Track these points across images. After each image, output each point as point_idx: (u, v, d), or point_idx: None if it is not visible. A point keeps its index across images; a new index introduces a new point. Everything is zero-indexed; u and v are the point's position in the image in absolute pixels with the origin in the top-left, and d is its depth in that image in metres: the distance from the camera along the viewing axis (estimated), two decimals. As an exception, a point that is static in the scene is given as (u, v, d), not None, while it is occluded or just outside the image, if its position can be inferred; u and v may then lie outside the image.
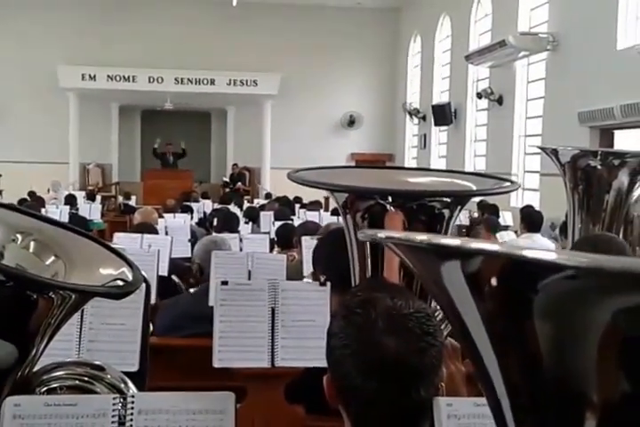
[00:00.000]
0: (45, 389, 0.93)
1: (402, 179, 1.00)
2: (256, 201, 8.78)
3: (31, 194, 7.85)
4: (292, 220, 4.81)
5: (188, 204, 6.80)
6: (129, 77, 11.10)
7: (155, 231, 3.49)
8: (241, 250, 3.31)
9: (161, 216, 4.89)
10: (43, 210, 6.00)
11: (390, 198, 0.89)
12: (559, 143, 4.83)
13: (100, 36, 11.29)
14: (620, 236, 2.04)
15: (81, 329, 1.44)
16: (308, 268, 2.40)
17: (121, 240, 3.10)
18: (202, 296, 2.08)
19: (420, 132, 11.35)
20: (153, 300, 2.05)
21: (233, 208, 6.36)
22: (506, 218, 6.20)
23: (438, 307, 0.76)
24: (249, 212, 5.69)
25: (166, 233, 3.82)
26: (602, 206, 2.04)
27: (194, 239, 3.81)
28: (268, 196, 8.75)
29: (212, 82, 11.21)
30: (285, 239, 3.49)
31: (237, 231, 4.05)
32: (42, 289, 0.76)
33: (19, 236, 0.88)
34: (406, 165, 11.71)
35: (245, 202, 8.01)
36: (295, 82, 11.49)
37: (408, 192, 0.93)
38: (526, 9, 7.81)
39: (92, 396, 0.92)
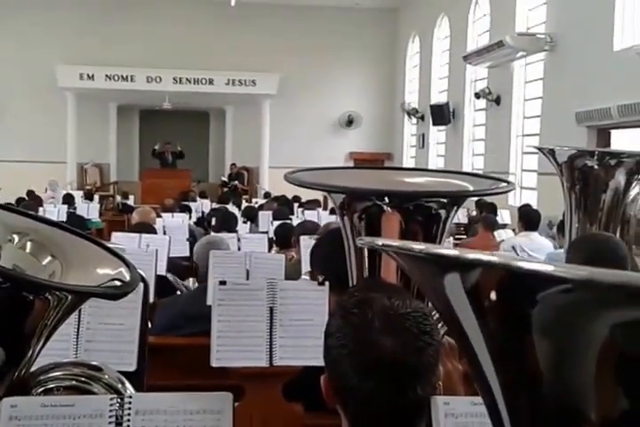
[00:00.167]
0: (42, 389, 0.92)
1: (398, 179, 1.01)
2: (254, 200, 8.79)
3: (29, 193, 7.85)
4: (291, 219, 4.81)
5: (186, 203, 6.80)
6: (127, 77, 11.09)
7: (153, 231, 3.49)
8: (239, 249, 3.31)
9: (159, 216, 4.89)
10: (40, 209, 6.00)
11: (387, 199, 0.89)
12: (557, 143, 4.85)
13: (99, 35, 11.27)
14: (617, 235, 2.05)
15: (78, 329, 1.43)
16: (306, 267, 2.41)
17: (119, 240, 3.10)
18: (200, 296, 2.08)
19: (419, 131, 11.36)
20: (151, 299, 2.05)
21: (231, 208, 6.36)
22: (504, 216, 6.22)
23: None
24: (247, 211, 5.69)
25: (164, 233, 3.82)
26: (599, 206, 2.05)
27: (192, 239, 3.82)
28: (266, 195, 8.75)
29: (211, 82, 11.20)
30: (284, 239, 3.49)
31: (235, 231, 4.05)
32: (38, 290, 0.75)
33: (15, 236, 0.88)
34: (405, 165, 11.73)
35: (244, 201, 8.01)
36: (294, 82, 11.48)
37: (404, 193, 0.93)
38: (524, 9, 7.82)
39: (89, 396, 0.92)
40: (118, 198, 9.74)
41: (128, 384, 0.98)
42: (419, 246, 0.34)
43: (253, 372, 1.49)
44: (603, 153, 2.10)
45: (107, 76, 11.02)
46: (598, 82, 6.02)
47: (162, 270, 2.75)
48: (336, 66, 11.90)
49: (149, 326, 1.71)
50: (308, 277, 2.16)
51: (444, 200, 0.91)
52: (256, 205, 6.78)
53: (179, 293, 2.76)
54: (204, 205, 7.08)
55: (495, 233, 4.59)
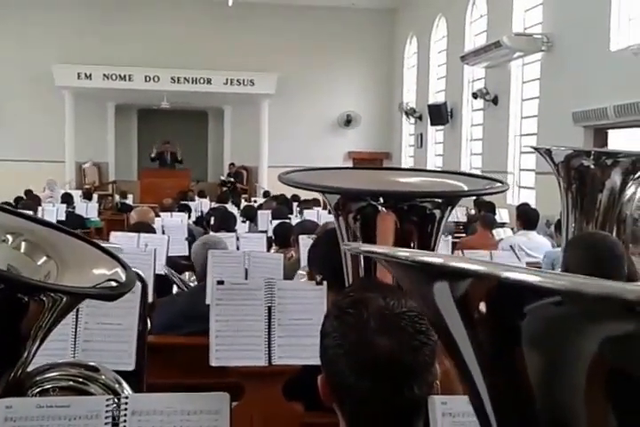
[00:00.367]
0: (39, 390, 0.92)
1: (393, 179, 1.01)
2: (253, 199, 8.79)
3: (27, 192, 7.84)
4: (290, 218, 4.82)
5: (185, 202, 6.81)
6: (125, 76, 11.07)
7: (152, 230, 3.50)
8: (238, 249, 3.32)
9: (157, 215, 4.90)
10: (39, 208, 6.00)
11: (382, 199, 0.90)
12: (554, 143, 4.86)
13: (97, 34, 11.26)
14: (614, 234, 2.06)
15: (76, 329, 1.43)
16: (305, 266, 2.41)
17: (118, 239, 3.11)
18: (199, 295, 2.09)
19: (417, 131, 11.38)
20: (150, 299, 2.06)
21: (230, 207, 6.36)
22: (502, 215, 6.24)
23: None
24: (246, 210, 5.69)
25: (163, 232, 3.83)
26: (595, 205, 2.06)
27: (191, 238, 3.82)
28: (265, 194, 8.75)
29: (209, 81, 11.19)
30: (283, 238, 3.50)
31: (234, 230, 4.06)
32: (33, 292, 0.74)
33: (9, 236, 0.87)
34: (403, 164, 11.76)
35: (243, 201, 8.01)
36: (292, 81, 11.49)
37: (398, 193, 0.94)
38: (521, 10, 7.84)
39: (84, 397, 0.91)
40: (117, 198, 9.74)
41: (125, 384, 0.98)
42: (404, 253, 0.34)
43: (253, 371, 1.50)
44: (599, 153, 2.12)
45: (104, 75, 11.00)
46: (595, 82, 6.04)
47: (161, 270, 2.76)
48: (334, 66, 11.91)
49: (149, 325, 1.72)
50: (303, 272, 2.17)
51: (439, 200, 0.92)
52: (255, 205, 6.79)
53: (175, 287, 2.76)
54: (202, 205, 7.08)
55: (494, 232, 4.61)
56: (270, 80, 11.23)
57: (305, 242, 2.80)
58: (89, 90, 11.05)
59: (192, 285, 2.68)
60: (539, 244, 3.88)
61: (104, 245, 0.95)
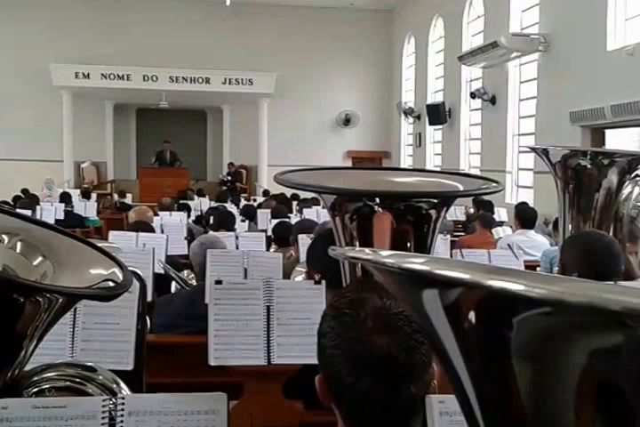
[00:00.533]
0: (36, 390, 0.92)
1: (390, 179, 1.01)
2: (253, 198, 8.79)
3: (24, 191, 7.84)
4: (289, 217, 4.82)
5: (184, 202, 6.80)
6: (123, 76, 11.06)
7: (151, 229, 3.50)
8: (237, 248, 3.32)
9: (156, 214, 4.90)
10: (38, 207, 5.99)
11: (378, 199, 0.90)
12: (552, 142, 4.86)
13: (95, 34, 11.24)
14: (610, 233, 2.08)
15: (74, 329, 1.43)
16: (303, 262, 2.41)
17: (117, 238, 3.12)
18: (198, 294, 2.10)
19: (415, 130, 11.39)
20: (149, 298, 2.07)
21: (230, 206, 6.36)
22: (501, 214, 6.26)
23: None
24: (246, 209, 5.70)
25: (162, 231, 3.83)
26: (592, 205, 2.07)
27: (190, 237, 3.82)
28: (265, 193, 8.75)
29: (207, 80, 11.18)
30: (282, 237, 3.50)
31: (234, 229, 4.06)
32: (29, 292, 0.74)
33: (5, 236, 0.87)
34: (402, 163, 11.78)
35: (242, 200, 8.01)
36: (291, 81, 11.49)
37: (395, 193, 0.94)
38: (517, 10, 7.86)
39: (81, 398, 0.91)
40: (116, 197, 9.73)
41: (123, 384, 0.97)
42: (390, 260, 0.33)
43: (252, 370, 1.50)
44: (595, 153, 2.13)
45: (103, 74, 10.98)
46: (592, 82, 6.06)
47: (159, 269, 2.77)
48: (333, 65, 11.91)
49: (149, 324, 1.73)
50: (300, 269, 2.18)
51: (435, 200, 0.92)
52: (254, 204, 6.79)
53: (173, 284, 2.76)
54: (202, 204, 7.08)
55: (493, 231, 4.62)
56: (269, 79, 11.23)
57: (304, 241, 2.81)
58: (87, 89, 11.03)
59: (190, 282, 2.69)
60: (537, 243, 3.90)
61: (102, 244, 0.95)
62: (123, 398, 0.90)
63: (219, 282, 1.56)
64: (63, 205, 6.67)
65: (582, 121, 6.26)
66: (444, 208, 0.94)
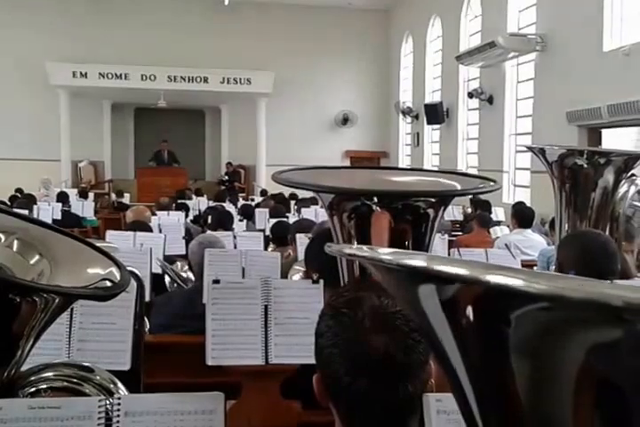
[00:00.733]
0: (33, 390, 0.91)
1: (387, 179, 1.01)
2: (251, 198, 8.79)
3: (19, 191, 7.81)
4: (288, 217, 4.82)
5: (182, 201, 6.80)
6: (121, 75, 11.03)
7: (148, 229, 3.50)
8: (235, 247, 3.32)
9: (154, 214, 4.89)
10: (35, 207, 5.98)
11: (376, 199, 0.90)
12: (549, 142, 4.87)
13: (92, 33, 11.22)
14: (607, 232, 2.08)
15: (70, 329, 1.42)
16: (301, 261, 2.41)
17: (114, 238, 3.11)
18: (196, 294, 2.10)
19: (413, 130, 11.41)
20: (147, 298, 2.07)
21: (228, 206, 6.36)
22: (498, 214, 6.28)
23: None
24: (244, 209, 5.70)
25: (160, 231, 3.83)
26: (588, 204, 2.08)
27: (188, 237, 3.82)
28: (263, 193, 8.75)
29: (206, 80, 11.17)
30: (280, 236, 3.50)
31: (232, 229, 4.06)
32: (24, 292, 0.73)
33: (1, 235, 0.86)
34: (400, 162, 11.79)
35: (241, 199, 8.01)
36: (289, 80, 11.48)
37: (392, 193, 0.94)
38: (515, 10, 7.88)
39: (76, 398, 0.91)
40: (113, 196, 9.72)
41: (120, 385, 0.97)
42: (387, 256, 0.33)
43: (250, 370, 1.49)
44: (592, 152, 2.13)
45: (100, 74, 10.96)
46: (589, 82, 6.07)
47: (157, 269, 2.77)
48: (331, 65, 11.92)
49: (147, 324, 1.72)
50: (298, 267, 2.18)
51: (432, 199, 0.92)
52: (253, 203, 6.78)
53: (167, 278, 2.76)
54: (200, 203, 7.07)
55: (491, 230, 4.64)
56: (267, 79, 11.22)
57: (302, 240, 2.81)
58: (85, 88, 11.01)
59: (184, 275, 2.69)
60: (534, 242, 3.91)
61: (100, 244, 0.95)
62: (119, 399, 0.90)
63: (216, 282, 1.56)
64: (60, 204, 6.66)
65: (579, 121, 6.28)
66: (442, 207, 0.94)
